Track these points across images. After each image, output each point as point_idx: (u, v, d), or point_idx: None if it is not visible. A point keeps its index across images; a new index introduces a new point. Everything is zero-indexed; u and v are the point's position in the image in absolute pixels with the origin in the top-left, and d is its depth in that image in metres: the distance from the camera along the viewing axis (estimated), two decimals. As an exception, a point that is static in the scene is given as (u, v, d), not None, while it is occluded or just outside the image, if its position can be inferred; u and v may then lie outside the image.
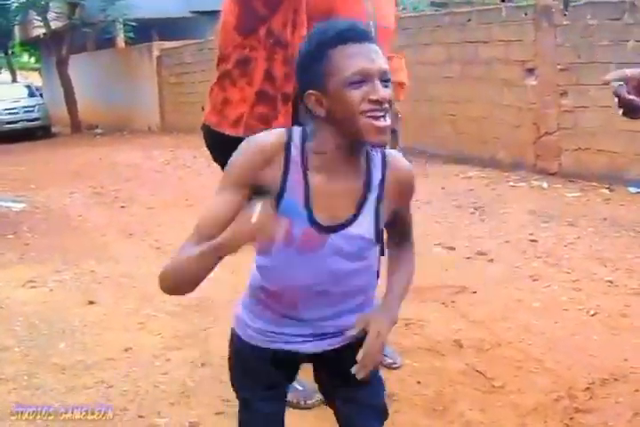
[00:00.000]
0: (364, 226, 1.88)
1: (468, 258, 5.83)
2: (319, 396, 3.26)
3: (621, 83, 2.23)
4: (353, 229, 1.87)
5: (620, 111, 2.26)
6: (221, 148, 3.01)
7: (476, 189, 8.65)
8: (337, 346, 2.04)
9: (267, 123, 3.24)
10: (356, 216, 1.87)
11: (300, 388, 3.40)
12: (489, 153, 10.15)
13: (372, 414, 2.15)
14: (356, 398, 2.11)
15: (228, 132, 3.27)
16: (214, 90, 3.36)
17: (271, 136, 1.84)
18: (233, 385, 2.18)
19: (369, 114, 1.74)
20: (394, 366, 3.81)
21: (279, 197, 1.81)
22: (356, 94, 1.73)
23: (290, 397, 3.41)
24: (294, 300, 1.95)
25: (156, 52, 20.62)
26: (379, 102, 1.74)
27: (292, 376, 2.21)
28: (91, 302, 5.07)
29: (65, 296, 5.28)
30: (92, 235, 7.43)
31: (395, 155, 1.94)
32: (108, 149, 16.26)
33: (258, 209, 1.64)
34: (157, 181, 10.82)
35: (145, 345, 4.24)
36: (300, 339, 2.02)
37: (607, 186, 8.25)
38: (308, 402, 3.42)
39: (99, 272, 5.86)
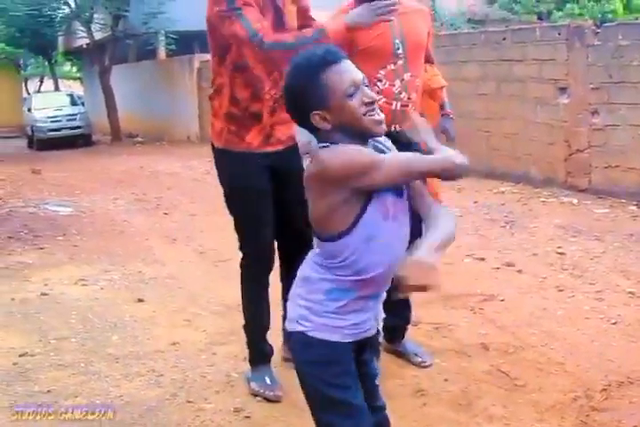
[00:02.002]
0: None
1: (497, 268, 6.06)
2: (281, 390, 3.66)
3: None
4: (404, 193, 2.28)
5: None
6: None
7: (508, 204, 8.85)
8: (378, 328, 2.37)
9: (240, 138, 3.69)
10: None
11: (269, 381, 3.74)
12: (521, 169, 10.31)
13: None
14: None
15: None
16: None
17: (341, 146, 2.16)
18: (320, 393, 2.29)
19: (369, 113, 2.16)
20: (424, 364, 4.08)
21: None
22: (355, 102, 2.14)
23: (256, 386, 3.76)
24: (382, 278, 2.24)
25: (196, 64, 20.93)
26: (372, 103, 2.17)
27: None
28: (139, 300, 5.40)
29: (115, 294, 5.63)
30: (136, 239, 7.76)
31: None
32: (148, 158, 16.65)
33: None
34: (197, 190, 11.14)
35: (191, 340, 4.55)
36: (370, 324, 2.33)
37: (635, 203, 8.39)
38: (275, 393, 3.72)
39: (145, 273, 6.19)
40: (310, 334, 2.26)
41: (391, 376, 3.89)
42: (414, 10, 3.83)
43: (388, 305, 4.00)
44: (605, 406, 3.59)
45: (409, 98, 3.72)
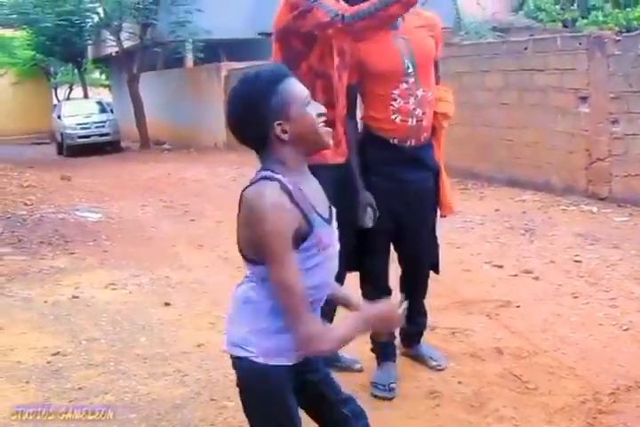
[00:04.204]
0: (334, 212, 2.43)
1: (515, 275, 6.20)
2: None
3: None
4: (334, 215, 2.41)
5: None
6: None
7: (529, 212, 8.96)
8: None
9: None
10: (330, 206, 2.40)
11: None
12: (543, 177, 10.40)
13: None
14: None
15: None
16: None
17: (276, 193, 2.18)
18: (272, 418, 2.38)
19: (323, 124, 2.28)
20: (439, 367, 4.24)
21: (309, 225, 2.22)
22: (312, 112, 2.25)
23: None
24: (317, 301, 2.35)
25: (224, 72, 21.15)
26: (324, 114, 2.30)
27: None
28: (166, 304, 5.62)
29: (143, 298, 5.85)
30: (164, 245, 7.98)
31: None
32: (176, 165, 16.89)
33: (399, 307, 2.33)
34: (224, 197, 11.24)
35: (215, 342, 4.71)
36: None
37: (655, 211, 8.49)
38: None
39: (172, 278, 6.41)
40: (255, 359, 2.28)
41: (407, 379, 4.07)
42: (421, 24, 3.91)
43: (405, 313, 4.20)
44: (613, 409, 3.73)
45: (423, 113, 3.85)
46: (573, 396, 3.87)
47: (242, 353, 2.31)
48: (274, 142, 2.24)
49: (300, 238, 2.21)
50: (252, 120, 2.23)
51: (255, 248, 2.22)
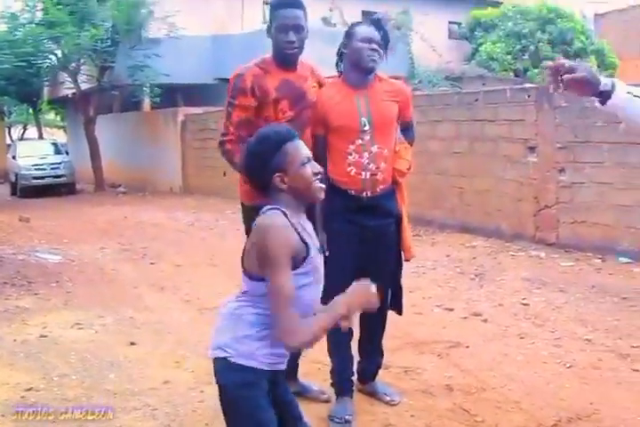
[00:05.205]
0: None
1: (465, 318, 6.50)
2: None
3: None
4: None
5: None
6: None
7: (479, 257, 9.30)
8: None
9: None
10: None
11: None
12: (493, 224, 10.74)
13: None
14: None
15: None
16: None
17: (281, 217, 2.61)
18: (250, 416, 2.66)
19: (317, 181, 2.71)
20: (393, 402, 4.51)
21: (307, 250, 2.64)
22: (308, 171, 2.69)
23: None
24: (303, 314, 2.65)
25: (180, 117, 21.46)
26: (319, 173, 2.72)
27: None
28: (132, 343, 5.80)
29: (109, 337, 6.03)
30: (126, 287, 8.15)
31: None
32: (132, 209, 17.05)
33: (372, 285, 2.59)
34: (182, 241, 11.50)
35: (181, 379, 4.96)
36: (284, 357, 2.77)
37: (600, 256, 8.84)
38: None
39: (136, 319, 6.59)
40: (232, 360, 2.65)
41: (363, 413, 4.32)
42: (388, 89, 4.23)
43: (361, 351, 4.50)
44: (555, 439, 4.03)
45: (377, 167, 4.14)
46: (518, 427, 4.15)
47: (221, 354, 2.68)
48: (275, 190, 2.68)
49: (299, 262, 2.61)
50: (258, 171, 2.69)
51: (260, 261, 2.58)
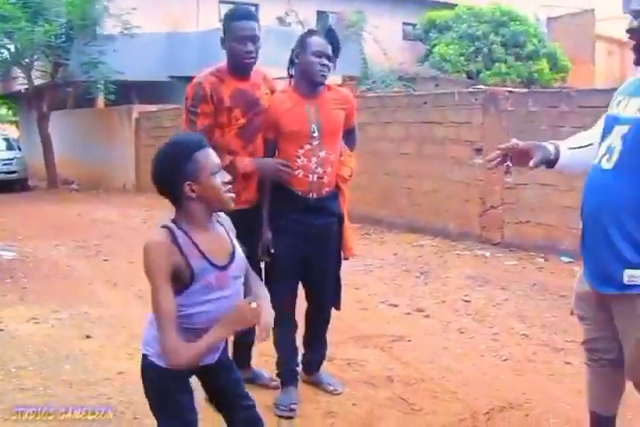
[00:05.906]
0: (241, 255, 2.92)
1: (408, 313, 6.77)
2: None
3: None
4: (237, 260, 2.87)
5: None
6: None
7: (425, 256, 9.59)
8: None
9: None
10: (233, 252, 2.88)
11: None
12: (440, 224, 11.05)
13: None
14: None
15: None
16: None
17: (161, 236, 2.69)
18: (159, 402, 2.89)
19: (226, 191, 2.76)
20: (335, 392, 4.75)
21: (190, 268, 2.70)
22: (218, 180, 2.73)
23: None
24: (208, 327, 2.76)
25: (135, 115, 21.52)
26: (229, 182, 2.77)
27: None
28: (87, 337, 5.98)
29: (64, 331, 6.19)
30: (80, 283, 8.28)
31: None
32: (86, 206, 17.08)
33: (255, 304, 2.71)
34: (135, 238, 11.39)
35: (134, 370, 4.94)
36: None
37: (543, 255, 9.19)
38: None
39: (91, 314, 6.75)
40: (150, 358, 2.82)
41: (307, 401, 4.56)
42: (336, 97, 4.45)
43: (306, 344, 4.76)
44: (487, 426, 4.28)
45: (324, 171, 4.37)
46: (454, 415, 4.39)
47: (144, 351, 2.87)
48: (184, 198, 2.73)
49: (186, 279, 2.70)
50: (168, 178, 2.73)
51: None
